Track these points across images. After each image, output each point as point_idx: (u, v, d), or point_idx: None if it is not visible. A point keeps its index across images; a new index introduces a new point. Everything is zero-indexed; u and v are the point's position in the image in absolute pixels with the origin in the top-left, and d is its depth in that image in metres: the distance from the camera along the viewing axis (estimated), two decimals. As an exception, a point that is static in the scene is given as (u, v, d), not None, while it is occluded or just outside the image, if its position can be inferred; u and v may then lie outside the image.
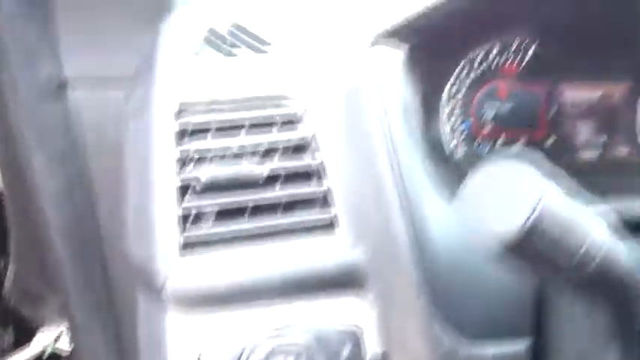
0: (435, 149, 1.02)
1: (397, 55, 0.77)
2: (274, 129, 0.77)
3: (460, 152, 1.04)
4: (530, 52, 1.03)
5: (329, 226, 0.75)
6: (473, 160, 1.04)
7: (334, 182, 0.75)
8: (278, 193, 0.75)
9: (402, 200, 0.72)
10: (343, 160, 0.75)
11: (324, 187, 0.75)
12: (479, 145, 1.05)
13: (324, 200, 0.75)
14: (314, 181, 0.76)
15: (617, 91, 1.07)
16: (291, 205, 0.76)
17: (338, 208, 0.75)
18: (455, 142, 1.04)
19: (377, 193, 0.73)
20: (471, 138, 1.05)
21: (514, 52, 1.03)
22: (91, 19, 0.82)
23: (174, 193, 0.73)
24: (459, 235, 0.72)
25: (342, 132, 0.75)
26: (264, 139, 0.76)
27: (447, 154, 1.03)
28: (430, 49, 0.86)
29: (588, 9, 0.98)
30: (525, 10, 0.91)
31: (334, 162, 0.75)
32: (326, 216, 0.75)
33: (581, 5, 0.94)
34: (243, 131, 0.77)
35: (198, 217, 0.76)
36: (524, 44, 1.03)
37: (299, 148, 0.77)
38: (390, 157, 0.73)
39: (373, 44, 0.76)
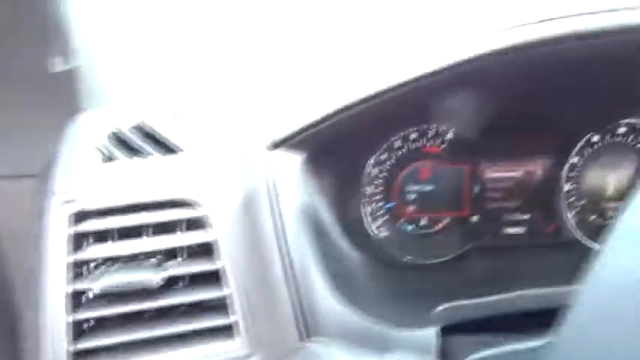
0: (358, 231, 1.02)
1: (294, 159, 0.78)
2: (177, 233, 0.77)
3: (383, 233, 1.05)
4: (449, 137, 1.05)
5: (229, 331, 0.74)
6: (396, 239, 1.05)
7: (234, 288, 0.75)
8: (177, 299, 0.75)
9: (295, 305, 0.72)
10: (242, 265, 0.75)
11: (224, 293, 0.75)
12: (401, 225, 1.06)
13: (224, 306, 0.75)
14: (215, 287, 0.75)
15: (539, 168, 1.08)
16: (191, 311, 0.76)
17: (238, 315, 0.75)
18: (377, 223, 1.04)
19: (271, 299, 0.73)
20: (394, 219, 1.05)
21: (432, 137, 1.05)
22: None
23: (65, 302, 0.72)
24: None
25: (241, 237, 0.75)
26: (167, 243, 0.76)
27: (370, 235, 1.04)
28: (336, 148, 0.87)
29: (503, 93, 1.00)
30: (435, 103, 0.93)
31: (234, 267, 0.75)
32: (226, 322, 0.75)
33: (497, 90, 0.96)
34: (145, 235, 0.77)
35: (92, 326, 0.75)
36: (440, 130, 1.05)
37: (201, 253, 0.77)
38: (283, 261, 0.73)
39: (271, 149, 0.76)
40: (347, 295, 0.77)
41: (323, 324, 0.73)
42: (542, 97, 1.00)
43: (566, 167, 1.07)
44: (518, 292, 0.86)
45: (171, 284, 0.76)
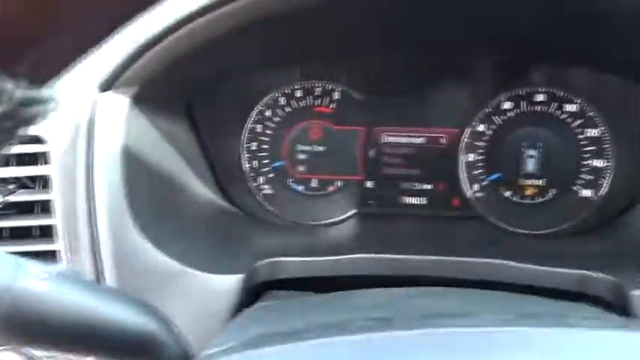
0: (234, 185, 1.02)
1: (121, 100, 0.80)
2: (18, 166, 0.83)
3: (267, 190, 1.03)
4: (337, 96, 1.00)
5: (53, 257, 0.80)
6: (283, 198, 1.04)
7: (60, 218, 0.80)
8: (7, 223, 0.81)
9: (95, 239, 0.76)
10: (69, 198, 0.79)
11: (51, 221, 0.80)
12: (291, 184, 1.04)
13: (50, 234, 0.80)
14: (43, 216, 0.81)
15: (442, 135, 1.00)
16: (19, 235, 0.82)
17: (62, 242, 0.80)
18: (261, 180, 1.03)
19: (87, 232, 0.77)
20: (282, 178, 1.04)
21: (320, 96, 1.01)
22: None
23: None
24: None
25: (69, 172, 0.79)
26: (8, 173, 0.83)
27: (250, 190, 1.03)
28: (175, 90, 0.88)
29: (393, 41, 0.94)
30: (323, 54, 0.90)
31: (63, 199, 0.80)
32: (51, 247, 0.80)
33: (386, 39, 0.91)
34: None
35: None
36: (328, 88, 1.00)
37: (36, 183, 0.83)
38: (88, 197, 0.76)
39: (100, 90, 0.79)
40: (161, 235, 0.79)
41: (128, 259, 0.76)
42: (440, 47, 0.92)
43: (467, 135, 0.99)
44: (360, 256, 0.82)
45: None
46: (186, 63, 0.79)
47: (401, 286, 0.70)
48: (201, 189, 0.93)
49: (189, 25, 0.69)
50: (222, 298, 0.76)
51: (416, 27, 0.85)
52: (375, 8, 0.76)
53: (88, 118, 0.79)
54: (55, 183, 0.81)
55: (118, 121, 0.79)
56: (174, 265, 0.77)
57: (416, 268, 0.83)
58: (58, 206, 0.80)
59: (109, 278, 0.78)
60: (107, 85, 0.80)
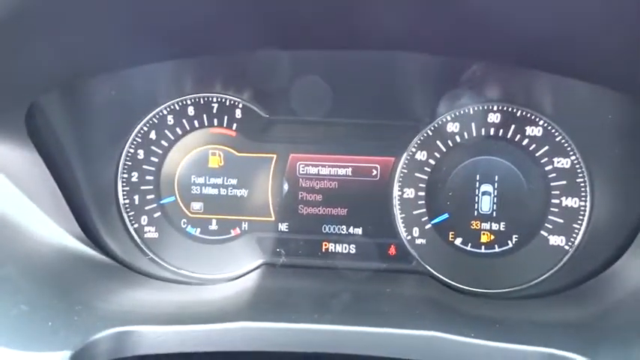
0: (107, 224, 0.79)
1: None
2: None
3: (150, 234, 0.80)
4: (240, 114, 0.79)
5: None
6: (178, 241, 0.80)
7: None
8: None
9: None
10: None
11: None
12: (183, 226, 0.81)
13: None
14: None
15: (374, 168, 0.79)
16: None
17: None
18: (145, 219, 0.81)
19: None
20: (173, 218, 0.81)
21: (218, 113, 0.79)
22: None
23: None
24: None
25: None
26: None
27: (128, 231, 0.80)
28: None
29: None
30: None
31: None
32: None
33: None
34: None
35: None
36: (228, 103, 0.79)
37: None
38: None
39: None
40: None
41: None
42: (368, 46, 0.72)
43: (403, 164, 0.77)
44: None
45: None
46: (16, 47, 0.57)
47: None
48: (46, 230, 0.70)
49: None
50: None
51: (345, 23, 0.65)
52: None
53: None
54: None
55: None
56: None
57: (323, 341, 0.60)
58: None
59: None
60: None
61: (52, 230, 0.72)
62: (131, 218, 0.80)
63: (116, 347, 0.59)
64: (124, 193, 0.80)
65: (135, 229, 0.80)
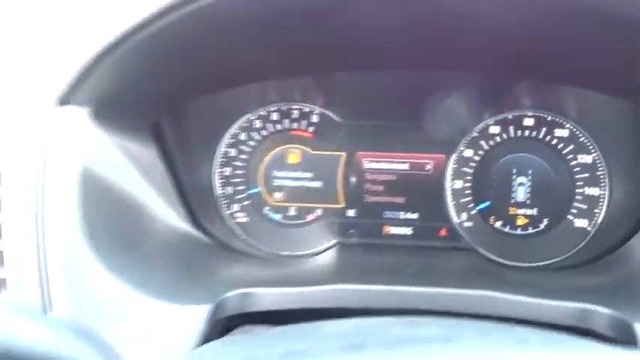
0: (203, 211, 0.95)
1: (80, 116, 0.74)
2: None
3: (241, 219, 0.97)
4: (316, 119, 0.95)
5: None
6: (258, 226, 0.97)
7: (8, 244, 0.72)
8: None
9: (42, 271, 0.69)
10: (18, 222, 0.72)
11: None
12: (267, 213, 0.97)
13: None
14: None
15: (428, 163, 0.95)
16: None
17: (8, 270, 0.72)
18: (236, 206, 0.96)
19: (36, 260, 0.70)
20: (259, 206, 0.97)
21: (298, 119, 0.96)
22: None
23: None
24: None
25: (22, 194, 0.73)
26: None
27: (222, 217, 0.96)
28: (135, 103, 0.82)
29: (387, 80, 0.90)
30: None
31: (12, 223, 0.73)
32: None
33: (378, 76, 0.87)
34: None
35: None
36: (305, 110, 0.95)
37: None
38: (37, 223, 0.69)
39: (58, 105, 0.73)
40: (118, 261, 0.72)
41: (81, 287, 0.68)
42: (424, 67, 0.88)
43: (453, 160, 0.93)
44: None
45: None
46: (149, 75, 0.73)
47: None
48: (167, 214, 0.86)
49: (150, 29, 0.64)
50: (185, 331, 0.68)
51: (400, 46, 0.81)
52: (358, 25, 0.72)
53: (42, 134, 0.73)
54: (4, 205, 0.73)
55: (75, 138, 0.73)
56: (131, 293, 0.69)
57: (399, 300, 0.76)
58: (5, 230, 0.73)
59: (59, 308, 0.70)
60: (64, 99, 0.74)
61: (167, 214, 0.88)
62: (225, 206, 0.96)
63: (239, 305, 0.74)
64: (220, 185, 0.96)
65: (229, 215, 0.96)
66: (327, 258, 0.92)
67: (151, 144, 0.85)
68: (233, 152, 0.95)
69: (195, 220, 0.93)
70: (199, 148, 0.94)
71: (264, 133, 0.95)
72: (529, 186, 0.93)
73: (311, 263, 0.92)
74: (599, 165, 0.91)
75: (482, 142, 0.93)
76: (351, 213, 0.96)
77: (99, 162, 0.75)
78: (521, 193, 0.93)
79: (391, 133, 0.95)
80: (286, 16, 0.69)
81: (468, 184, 0.94)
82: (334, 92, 0.94)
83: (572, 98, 0.92)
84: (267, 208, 0.97)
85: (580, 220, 0.92)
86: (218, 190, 0.96)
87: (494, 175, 0.93)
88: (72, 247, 0.70)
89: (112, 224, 0.76)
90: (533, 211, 0.93)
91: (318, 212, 0.96)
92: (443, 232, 0.95)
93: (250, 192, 0.96)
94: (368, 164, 0.96)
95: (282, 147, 0.96)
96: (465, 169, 0.94)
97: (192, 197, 0.93)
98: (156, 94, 0.83)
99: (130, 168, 0.81)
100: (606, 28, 0.66)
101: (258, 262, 0.92)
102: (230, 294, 0.74)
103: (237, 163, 0.96)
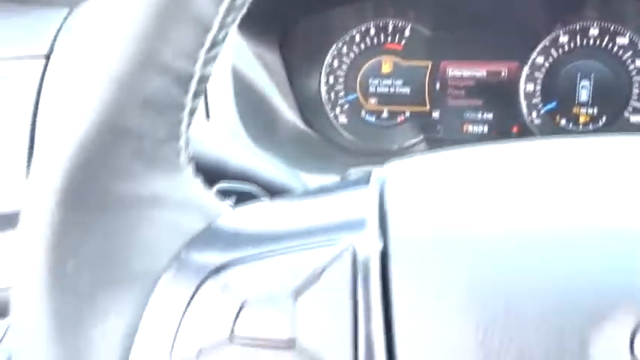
0: (317, 114, 1.14)
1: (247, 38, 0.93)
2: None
3: (342, 120, 1.15)
4: (407, 33, 1.11)
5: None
6: (357, 127, 1.15)
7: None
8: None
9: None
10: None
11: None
12: (364, 116, 1.15)
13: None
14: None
15: (502, 67, 1.10)
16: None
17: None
18: (337, 111, 1.14)
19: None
20: (356, 109, 1.15)
21: (391, 33, 1.12)
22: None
23: None
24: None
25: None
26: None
27: (329, 119, 1.14)
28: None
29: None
30: None
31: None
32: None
33: None
34: None
35: None
36: (399, 26, 1.11)
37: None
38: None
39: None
40: (267, 144, 0.91)
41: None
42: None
43: (527, 66, 1.08)
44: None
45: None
46: None
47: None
48: (287, 113, 1.05)
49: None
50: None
51: None
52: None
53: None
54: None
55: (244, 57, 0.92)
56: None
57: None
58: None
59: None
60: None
61: (288, 113, 1.07)
62: (329, 108, 1.14)
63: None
64: (325, 90, 1.14)
65: (333, 116, 1.14)
66: (417, 150, 1.11)
67: (277, 54, 1.03)
68: (336, 63, 1.13)
69: (307, 120, 1.11)
70: (310, 60, 1.11)
71: (362, 46, 1.12)
72: (591, 89, 1.08)
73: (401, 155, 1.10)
74: (655, 68, 1.06)
75: (553, 50, 1.08)
76: (435, 114, 1.13)
77: (242, 64, 0.93)
78: (584, 94, 1.09)
79: (471, 44, 1.10)
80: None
81: (538, 87, 1.09)
82: (423, 8, 1.09)
83: (632, 10, 1.05)
84: (364, 111, 1.14)
85: (636, 116, 1.07)
86: (324, 96, 1.14)
87: (561, 79, 1.08)
88: (231, 128, 0.90)
89: (256, 113, 0.95)
90: (594, 110, 1.08)
91: (407, 114, 1.14)
92: (515, 129, 1.12)
93: (349, 98, 1.14)
94: (451, 72, 1.12)
95: (376, 58, 1.13)
96: (536, 74, 1.09)
97: (304, 102, 1.11)
98: (279, 12, 1.01)
99: (263, 72, 0.99)
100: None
101: (360, 155, 1.11)
102: (352, 170, 0.94)
103: (339, 73, 1.13)
